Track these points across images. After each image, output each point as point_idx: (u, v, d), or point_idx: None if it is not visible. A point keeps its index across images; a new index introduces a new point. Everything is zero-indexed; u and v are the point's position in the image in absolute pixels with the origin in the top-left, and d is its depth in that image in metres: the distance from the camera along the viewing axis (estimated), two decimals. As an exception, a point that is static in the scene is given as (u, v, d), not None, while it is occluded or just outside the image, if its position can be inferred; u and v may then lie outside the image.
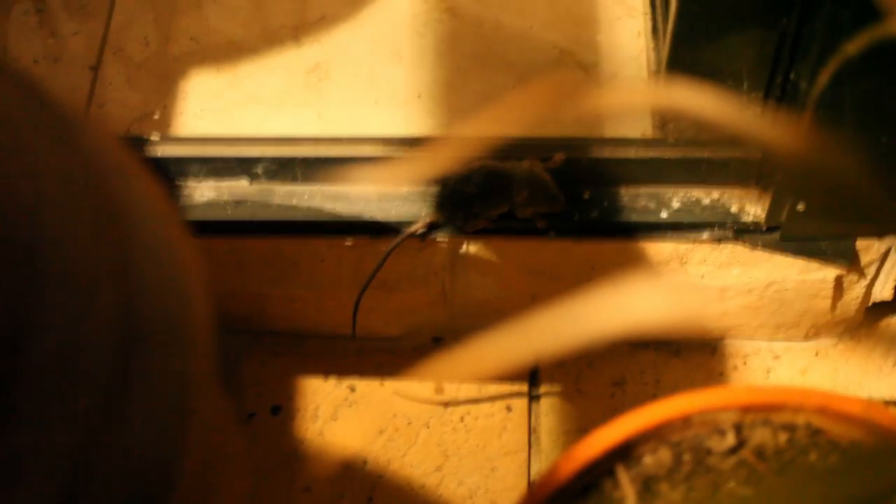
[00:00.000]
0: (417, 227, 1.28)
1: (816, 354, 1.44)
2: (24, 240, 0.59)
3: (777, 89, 1.19)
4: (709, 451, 0.90)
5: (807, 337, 1.45)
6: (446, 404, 1.41)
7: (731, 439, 0.90)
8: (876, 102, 1.13)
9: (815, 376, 1.43)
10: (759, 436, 0.91)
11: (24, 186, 0.60)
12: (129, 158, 0.72)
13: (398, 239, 1.28)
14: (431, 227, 1.29)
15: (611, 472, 0.90)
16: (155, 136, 1.32)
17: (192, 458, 0.67)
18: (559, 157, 1.27)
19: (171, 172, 1.31)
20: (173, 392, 0.65)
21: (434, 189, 1.29)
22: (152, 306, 0.65)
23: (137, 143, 1.31)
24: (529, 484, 1.35)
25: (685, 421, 0.92)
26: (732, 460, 0.90)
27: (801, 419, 0.91)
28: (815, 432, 0.90)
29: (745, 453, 0.90)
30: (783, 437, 0.90)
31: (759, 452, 0.90)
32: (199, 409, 0.68)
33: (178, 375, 0.66)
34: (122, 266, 0.64)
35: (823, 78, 1.10)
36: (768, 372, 1.43)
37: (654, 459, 0.91)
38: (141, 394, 0.62)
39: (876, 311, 1.44)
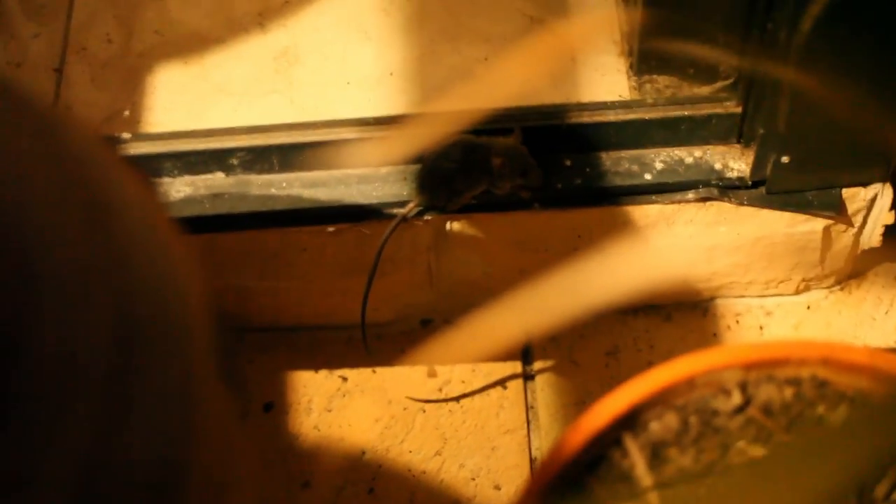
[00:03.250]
0: (409, 210, 1.26)
1: (808, 308, 1.44)
2: (13, 243, 0.57)
3: (755, 41, 1.18)
4: (715, 412, 0.90)
5: (798, 291, 1.44)
6: (441, 388, 1.39)
7: (736, 398, 0.90)
8: (856, 47, 1.12)
9: (809, 330, 1.43)
10: (765, 392, 0.90)
11: (9, 188, 0.59)
12: (112, 155, 0.70)
13: (393, 224, 1.26)
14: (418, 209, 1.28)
15: (618, 442, 0.89)
16: (125, 135, 1.30)
17: (202, 456, 0.66)
18: (517, 131, 1.26)
19: (144, 170, 1.29)
20: (176, 389, 0.64)
21: (413, 168, 1.27)
22: (148, 303, 0.64)
23: (108, 142, 1.28)
24: (532, 461, 1.34)
25: (689, 383, 0.91)
26: (740, 419, 0.89)
27: (805, 372, 0.90)
28: (821, 384, 0.90)
29: (753, 411, 0.89)
30: (789, 392, 0.90)
31: (767, 409, 0.89)
32: (203, 407, 0.66)
33: (179, 372, 0.65)
34: (115, 263, 0.62)
35: (804, 25, 1.08)
36: (761, 329, 1.43)
37: (660, 425, 0.90)
38: (144, 392, 0.61)
39: (865, 260, 1.44)
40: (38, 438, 0.55)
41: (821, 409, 0.89)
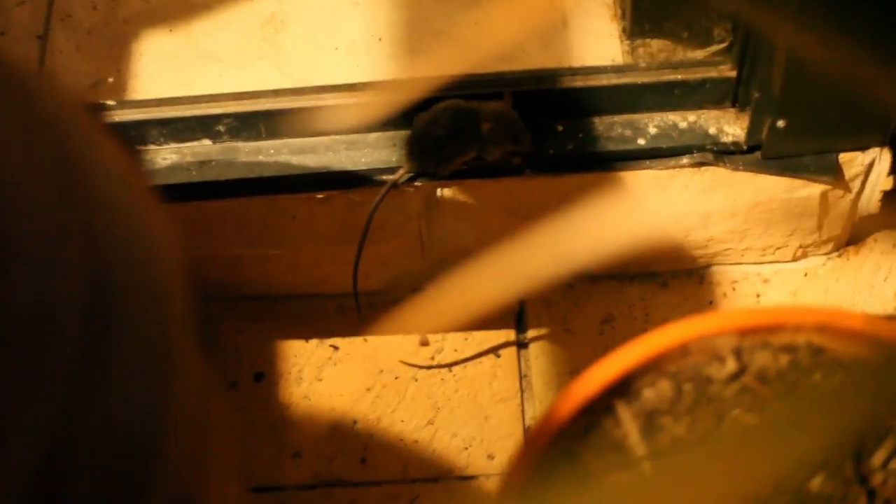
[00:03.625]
0: (399, 176, 1.25)
1: (806, 275, 1.42)
2: None
3: (749, 2, 1.16)
4: (709, 380, 0.89)
5: (795, 258, 1.42)
6: (433, 356, 1.38)
7: (731, 365, 0.89)
8: (854, 5, 1.11)
9: (806, 297, 1.42)
10: (760, 359, 0.89)
11: None
12: (90, 120, 0.69)
13: (382, 191, 1.25)
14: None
15: (610, 410, 0.88)
16: (111, 102, 1.29)
17: (179, 423, 0.65)
18: (507, 95, 1.25)
19: (130, 137, 1.28)
20: (153, 353, 0.63)
21: (402, 134, 1.26)
22: (123, 267, 0.63)
23: (94, 109, 1.27)
24: (526, 430, 1.33)
25: (683, 350, 0.90)
26: (735, 387, 0.88)
27: (801, 339, 0.89)
28: (816, 351, 0.89)
29: (747, 379, 0.88)
30: (785, 359, 0.89)
31: (762, 377, 0.88)
32: (181, 372, 0.65)
33: (156, 337, 0.64)
34: (89, 225, 0.61)
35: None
36: (758, 296, 1.42)
37: (654, 392, 0.89)
38: (119, 355, 0.60)
39: (863, 226, 1.42)
40: (11, 393, 0.54)
41: (817, 377, 0.88)
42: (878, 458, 0.86)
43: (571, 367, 1.37)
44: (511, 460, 0.88)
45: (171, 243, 0.69)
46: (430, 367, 1.37)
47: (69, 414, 0.56)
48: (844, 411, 0.81)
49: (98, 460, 0.58)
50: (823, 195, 1.33)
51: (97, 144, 0.68)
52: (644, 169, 1.29)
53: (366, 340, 1.39)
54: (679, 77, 1.27)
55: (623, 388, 0.89)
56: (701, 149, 1.28)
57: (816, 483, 0.84)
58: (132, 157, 0.71)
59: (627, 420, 0.88)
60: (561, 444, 0.88)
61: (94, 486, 0.58)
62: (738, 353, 0.89)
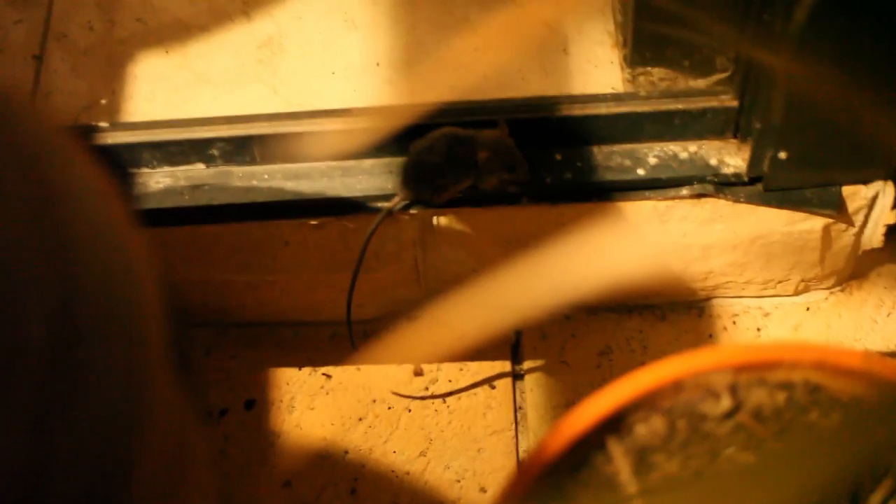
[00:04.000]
0: (395, 204, 1.24)
1: (808, 309, 1.41)
2: None
3: (751, 32, 1.15)
4: (704, 417, 0.87)
5: (797, 292, 1.41)
6: (427, 386, 1.36)
7: (726, 402, 0.87)
8: (854, 38, 1.09)
9: (808, 332, 1.40)
10: (756, 397, 0.87)
11: None
12: (70, 145, 0.68)
13: (378, 218, 1.24)
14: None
15: (602, 446, 0.86)
16: (104, 124, 1.27)
17: (151, 453, 0.63)
18: (501, 123, 1.23)
19: (123, 160, 1.27)
20: (123, 384, 0.62)
21: (398, 161, 1.24)
22: (96, 293, 0.62)
23: (86, 132, 1.27)
24: (518, 463, 1.31)
25: (676, 386, 0.88)
26: (729, 424, 0.86)
27: (798, 376, 0.87)
28: (813, 389, 0.87)
29: (742, 416, 0.86)
30: (781, 397, 0.87)
31: (757, 414, 0.86)
32: (154, 404, 0.64)
33: (127, 367, 0.63)
34: (62, 251, 0.60)
35: (799, 15, 1.05)
36: (759, 330, 1.40)
37: (646, 429, 0.87)
38: (87, 386, 0.58)
39: (866, 261, 1.41)
40: None
41: (814, 416, 0.86)
42: (875, 498, 0.84)
43: (567, 400, 1.35)
44: (498, 497, 0.86)
45: (148, 270, 0.68)
46: (423, 398, 1.35)
47: (34, 443, 0.55)
48: (841, 451, 0.80)
49: (65, 492, 0.57)
50: (826, 229, 1.31)
51: (76, 169, 0.67)
52: (643, 200, 1.27)
53: (359, 369, 1.38)
54: (680, 106, 1.25)
55: (615, 423, 0.87)
56: (701, 180, 1.26)
57: (811, 524, 0.83)
58: (113, 182, 0.70)
59: (619, 456, 0.86)
60: (551, 480, 0.86)
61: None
62: (733, 389, 0.87)
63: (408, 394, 1.36)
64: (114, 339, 0.62)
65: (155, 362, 0.65)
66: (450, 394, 1.36)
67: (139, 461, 0.62)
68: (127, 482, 0.61)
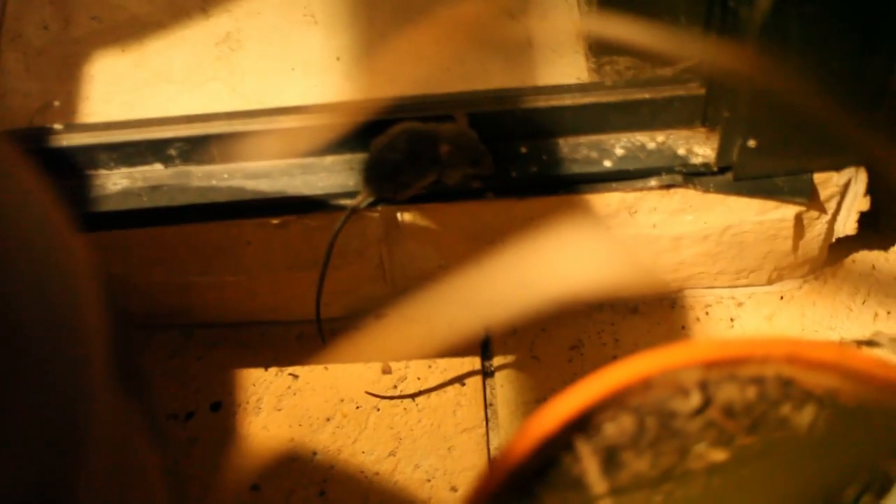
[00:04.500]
0: (359, 202, 1.22)
1: (781, 298, 1.40)
2: None
3: (716, 20, 1.14)
4: (673, 414, 0.86)
5: (770, 281, 1.40)
6: (395, 385, 1.34)
7: (695, 399, 0.85)
8: (822, 24, 1.08)
9: (782, 321, 1.39)
10: (726, 392, 0.86)
11: None
12: (6, 153, 0.66)
13: (343, 217, 1.22)
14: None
15: (570, 446, 0.85)
16: (59, 126, 1.25)
17: (94, 472, 0.62)
18: (459, 116, 1.22)
19: (79, 162, 1.25)
20: (63, 399, 0.60)
21: (359, 157, 1.23)
22: (30, 305, 0.60)
23: (41, 133, 1.25)
24: (490, 461, 1.29)
25: (645, 383, 0.86)
26: (699, 421, 0.85)
27: (769, 371, 0.86)
28: (786, 383, 0.86)
29: (713, 412, 0.85)
30: (752, 392, 0.86)
31: (728, 410, 0.85)
32: (95, 418, 0.62)
33: (67, 381, 0.61)
34: None
35: (764, 2, 1.04)
36: (732, 321, 1.39)
37: (615, 427, 0.86)
38: (25, 401, 0.57)
39: (840, 248, 1.40)
40: None
41: (786, 410, 0.85)
42: (848, 493, 0.83)
43: (539, 396, 1.34)
44: (466, 501, 0.85)
45: (89, 279, 0.67)
46: (392, 398, 1.34)
47: None
48: (815, 450, 0.78)
49: None
50: (798, 217, 1.30)
51: (11, 179, 0.65)
52: (611, 191, 1.26)
53: (326, 369, 1.36)
54: (646, 96, 1.24)
55: (583, 423, 0.85)
56: (670, 170, 1.25)
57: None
58: (48, 187, 0.68)
59: (587, 456, 0.85)
60: (517, 482, 0.85)
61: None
62: (703, 386, 0.86)
63: (376, 393, 1.34)
64: (50, 350, 0.60)
65: (95, 374, 0.64)
66: (419, 392, 1.35)
67: (81, 476, 0.60)
68: (71, 493, 0.59)
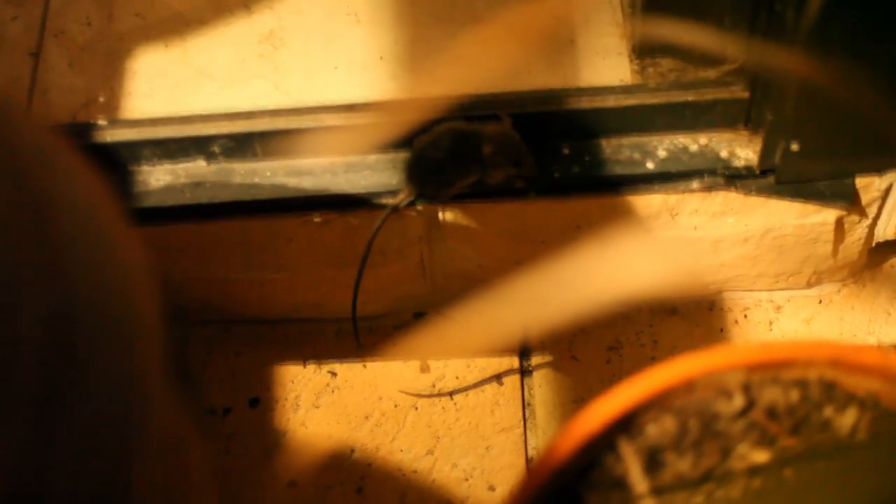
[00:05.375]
0: (400, 200, 1.23)
1: (820, 302, 1.39)
2: None
3: (762, 22, 1.13)
4: (716, 416, 0.86)
5: (809, 284, 1.39)
6: (434, 383, 1.34)
7: (739, 401, 0.86)
8: (867, 28, 1.07)
9: (820, 325, 1.38)
10: (769, 395, 0.86)
11: None
12: (60, 149, 0.68)
13: (383, 215, 1.22)
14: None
15: (612, 447, 0.85)
16: (102, 121, 1.26)
17: (148, 471, 0.62)
18: (504, 117, 1.22)
19: (122, 158, 1.26)
20: (122, 390, 0.61)
21: (402, 156, 1.23)
22: (91, 299, 0.62)
23: (84, 129, 1.25)
24: (528, 461, 1.29)
25: (688, 385, 0.87)
26: (742, 423, 0.85)
27: (812, 374, 0.86)
28: (829, 386, 0.86)
29: (756, 414, 0.85)
30: (795, 394, 0.86)
31: (771, 412, 0.85)
32: (151, 410, 0.63)
33: (125, 373, 0.62)
34: (56, 259, 0.60)
35: (812, 4, 1.03)
36: (771, 324, 1.38)
37: (657, 429, 0.86)
38: (86, 391, 0.58)
39: (880, 252, 1.40)
40: None
41: (828, 412, 0.85)
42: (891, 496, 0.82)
43: (577, 396, 1.34)
44: (507, 499, 0.85)
45: (144, 274, 0.67)
46: (430, 396, 1.34)
47: (34, 442, 0.55)
48: (860, 449, 0.78)
49: (66, 493, 0.56)
50: (839, 220, 1.30)
51: (69, 175, 0.66)
52: (653, 193, 1.26)
53: (365, 366, 1.36)
54: (690, 98, 1.24)
55: (625, 424, 0.86)
56: (712, 172, 1.25)
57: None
58: (107, 185, 0.68)
59: (629, 456, 0.85)
60: (560, 482, 0.85)
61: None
62: (746, 388, 0.86)
63: (415, 391, 1.35)
64: (110, 344, 0.61)
65: (151, 367, 0.64)
66: (457, 391, 1.35)
67: (138, 466, 0.61)
68: (127, 486, 0.60)
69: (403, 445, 1.32)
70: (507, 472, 1.30)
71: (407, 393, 1.34)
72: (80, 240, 0.62)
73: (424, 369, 1.35)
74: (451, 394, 1.34)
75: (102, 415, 0.59)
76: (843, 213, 1.29)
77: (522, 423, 1.33)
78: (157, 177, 1.25)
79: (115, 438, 0.60)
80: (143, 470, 0.62)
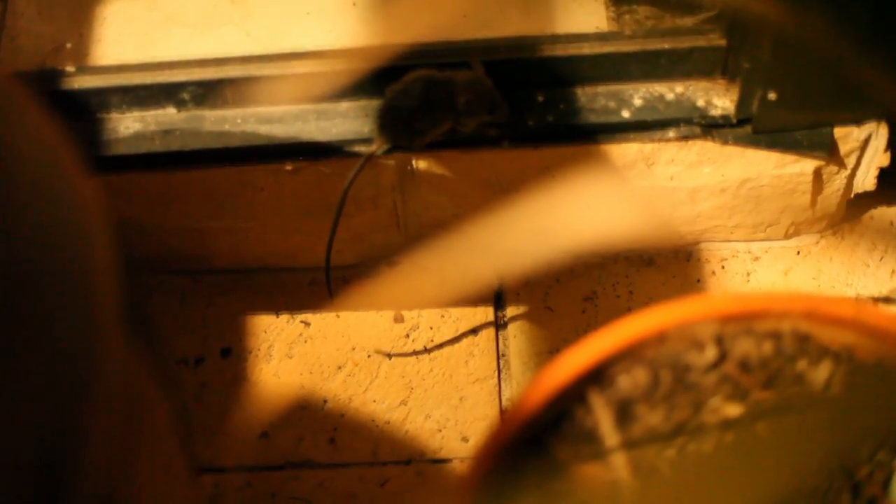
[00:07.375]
0: (376, 149, 1.21)
1: (798, 253, 1.38)
2: None
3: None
4: (688, 367, 0.85)
5: (787, 235, 1.39)
6: (408, 334, 1.33)
7: (711, 353, 0.85)
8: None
9: (798, 276, 1.38)
10: (742, 347, 0.85)
11: None
12: (17, 97, 0.66)
13: (358, 165, 1.21)
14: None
15: (583, 398, 0.84)
16: (71, 68, 1.24)
17: (104, 416, 0.61)
18: (476, 64, 1.21)
19: (91, 105, 1.25)
20: (74, 339, 0.60)
21: (374, 103, 1.21)
22: (40, 247, 0.60)
23: (53, 76, 1.24)
24: (503, 412, 1.29)
25: (660, 336, 0.86)
26: (714, 375, 0.84)
27: (786, 326, 0.85)
28: (802, 339, 0.85)
29: (728, 367, 0.84)
30: (768, 347, 0.85)
31: (743, 365, 0.84)
32: (106, 360, 0.62)
33: (78, 322, 0.60)
34: (2, 209, 0.58)
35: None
36: (748, 275, 1.38)
37: (629, 380, 0.85)
38: (33, 345, 0.57)
39: (859, 204, 1.39)
40: None
41: (802, 365, 0.84)
42: (864, 449, 0.82)
43: (552, 347, 1.33)
44: (477, 452, 0.84)
45: (100, 224, 0.66)
46: (404, 356, 1.33)
47: None
48: (831, 401, 0.78)
49: (13, 460, 0.55)
50: (817, 171, 1.29)
51: (21, 123, 0.65)
52: (629, 142, 1.25)
53: (338, 316, 1.35)
54: (666, 46, 1.23)
55: (597, 375, 0.85)
56: (688, 122, 1.24)
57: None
58: (63, 131, 0.67)
59: (600, 408, 0.84)
60: (530, 434, 0.84)
61: (6, 488, 0.54)
62: (719, 340, 0.85)
63: (388, 342, 1.34)
64: (61, 293, 0.60)
65: (106, 310, 0.63)
66: (431, 342, 1.34)
67: (92, 408, 0.60)
68: (82, 430, 0.59)
69: (377, 396, 1.31)
70: (481, 423, 1.29)
71: (381, 350, 1.33)
72: (28, 189, 0.61)
73: (398, 319, 1.34)
74: (425, 346, 1.33)
75: (53, 353, 0.58)
76: (821, 163, 1.28)
77: (497, 373, 1.32)
78: (127, 124, 1.24)
79: (68, 379, 0.59)
80: (98, 414, 0.60)
